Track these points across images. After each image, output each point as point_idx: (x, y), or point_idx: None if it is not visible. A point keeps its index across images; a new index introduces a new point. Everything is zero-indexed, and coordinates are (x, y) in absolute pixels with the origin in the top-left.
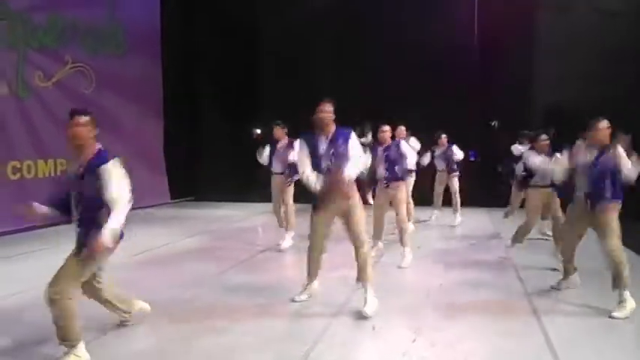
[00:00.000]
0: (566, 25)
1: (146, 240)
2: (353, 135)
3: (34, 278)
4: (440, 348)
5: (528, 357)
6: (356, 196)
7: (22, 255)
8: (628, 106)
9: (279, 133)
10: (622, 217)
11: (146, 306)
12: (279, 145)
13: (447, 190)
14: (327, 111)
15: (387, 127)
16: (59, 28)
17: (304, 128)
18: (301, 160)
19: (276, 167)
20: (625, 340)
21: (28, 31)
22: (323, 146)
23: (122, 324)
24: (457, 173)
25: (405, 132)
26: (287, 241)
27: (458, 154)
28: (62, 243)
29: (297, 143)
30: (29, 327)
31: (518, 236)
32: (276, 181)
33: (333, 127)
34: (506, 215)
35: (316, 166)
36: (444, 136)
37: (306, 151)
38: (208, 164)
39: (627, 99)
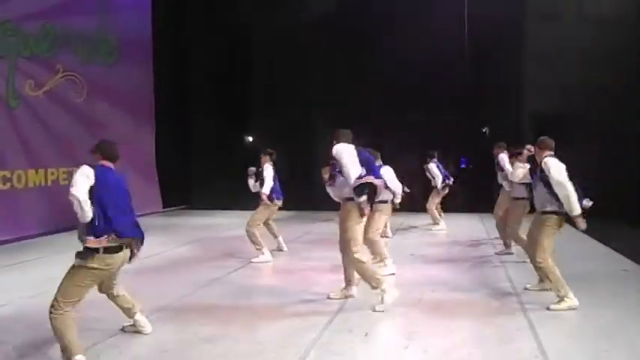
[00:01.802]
0: (555, 34)
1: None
2: None
3: (26, 288)
4: (433, 354)
5: None
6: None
7: (17, 264)
8: (614, 113)
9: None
10: (617, 224)
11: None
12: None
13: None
14: None
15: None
16: (51, 37)
17: (298, 135)
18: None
19: None
20: (618, 346)
21: (20, 39)
22: None
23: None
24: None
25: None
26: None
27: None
28: (56, 252)
29: (347, 148)
30: (18, 336)
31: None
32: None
33: None
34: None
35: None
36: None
37: None
38: (201, 172)
39: (613, 106)
